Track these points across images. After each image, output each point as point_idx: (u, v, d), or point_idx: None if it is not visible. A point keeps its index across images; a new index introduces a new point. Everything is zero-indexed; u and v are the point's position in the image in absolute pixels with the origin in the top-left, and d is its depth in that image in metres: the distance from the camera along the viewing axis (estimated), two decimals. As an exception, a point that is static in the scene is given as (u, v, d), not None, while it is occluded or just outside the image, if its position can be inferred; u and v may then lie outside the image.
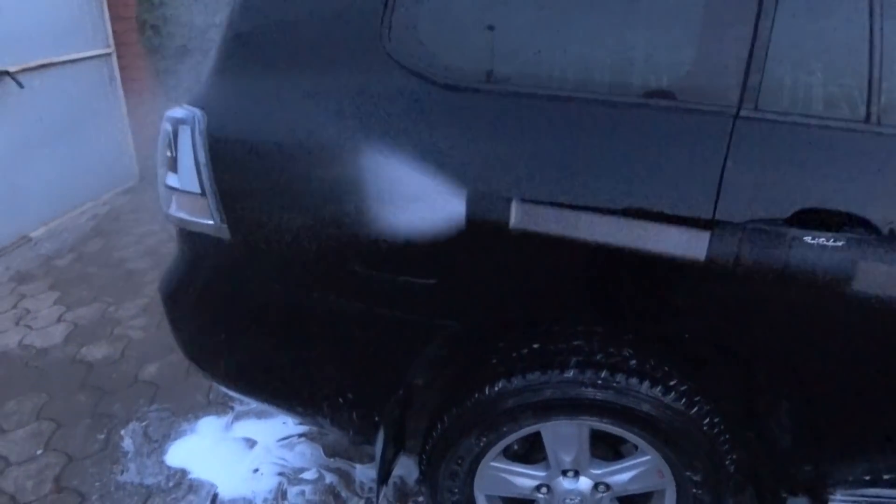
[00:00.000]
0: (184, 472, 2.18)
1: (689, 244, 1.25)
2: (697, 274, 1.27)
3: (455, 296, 1.38)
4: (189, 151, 1.43)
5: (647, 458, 1.53)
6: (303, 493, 2.08)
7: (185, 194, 1.47)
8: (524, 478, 1.63)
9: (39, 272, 3.76)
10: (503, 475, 1.63)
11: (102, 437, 2.37)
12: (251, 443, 2.31)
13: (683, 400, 1.42)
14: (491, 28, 1.35)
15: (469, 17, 1.38)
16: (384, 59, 1.35)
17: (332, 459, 2.21)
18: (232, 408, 2.48)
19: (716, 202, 1.22)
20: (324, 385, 1.58)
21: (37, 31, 4.19)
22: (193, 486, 2.13)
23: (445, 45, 1.36)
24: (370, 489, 2.08)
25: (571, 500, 1.62)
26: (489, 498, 1.68)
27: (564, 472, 1.60)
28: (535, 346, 1.48)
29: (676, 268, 1.27)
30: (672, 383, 1.42)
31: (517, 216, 1.28)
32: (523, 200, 1.27)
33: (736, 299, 1.29)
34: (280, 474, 2.15)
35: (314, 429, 2.24)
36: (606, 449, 1.64)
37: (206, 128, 1.41)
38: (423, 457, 1.62)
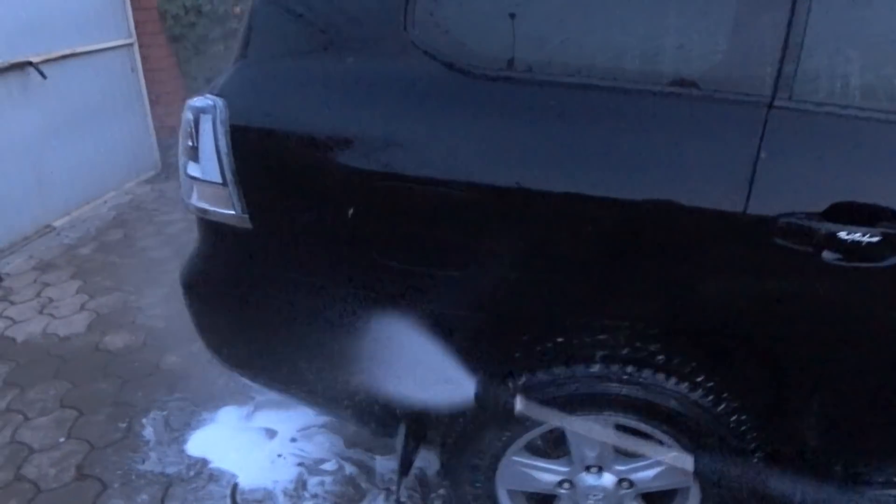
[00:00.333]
0: (204, 462, 2.19)
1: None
2: (728, 268, 1.24)
3: (480, 287, 1.36)
4: (210, 141, 1.42)
5: (673, 454, 1.50)
6: (322, 483, 2.08)
7: (207, 184, 1.46)
8: (547, 473, 1.61)
9: (62, 261, 3.80)
10: (525, 470, 1.61)
11: (124, 425, 2.38)
12: (271, 433, 2.31)
13: (710, 397, 1.39)
14: (512, 16, 1.32)
15: (494, 4, 1.35)
16: (408, 46, 1.33)
17: (351, 450, 2.21)
18: (252, 398, 2.49)
19: (748, 195, 1.19)
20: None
21: (59, 21, 4.22)
22: (214, 476, 2.14)
23: (471, 32, 1.34)
24: (390, 480, 2.08)
25: (594, 496, 1.59)
26: (511, 493, 1.66)
27: (588, 468, 1.58)
28: (560, 339, 1.45)
29: (707, 261, 1.24)
30: (699, 379, 1.39)
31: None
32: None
33: (767, 294, 1.26)
34: (300, 465, 2.15)
35: (334, 419, 2.24)
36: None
37: (227, 117, 1.40)
38: (445, 449, 1.61)
